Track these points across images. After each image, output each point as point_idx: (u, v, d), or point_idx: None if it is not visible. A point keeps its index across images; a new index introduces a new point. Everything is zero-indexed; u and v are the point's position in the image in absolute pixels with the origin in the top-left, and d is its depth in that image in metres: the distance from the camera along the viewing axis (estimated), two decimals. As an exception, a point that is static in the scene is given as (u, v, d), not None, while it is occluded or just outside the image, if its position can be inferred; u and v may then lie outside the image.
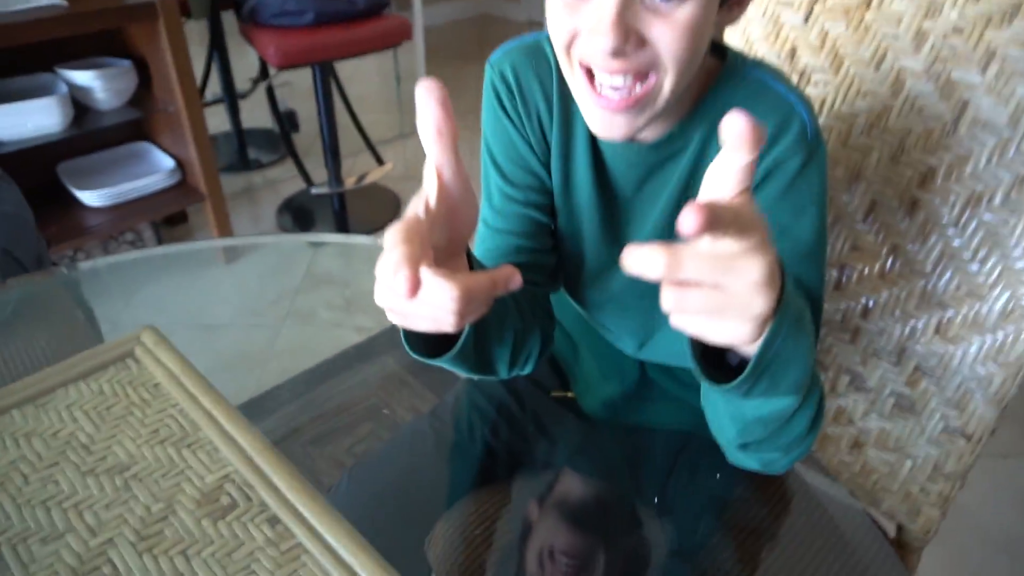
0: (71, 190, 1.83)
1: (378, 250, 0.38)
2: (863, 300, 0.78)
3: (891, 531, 0.83)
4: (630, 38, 0.44)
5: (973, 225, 0.69)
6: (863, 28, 0.75)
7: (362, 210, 2.36)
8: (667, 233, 0.58)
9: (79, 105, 1.75)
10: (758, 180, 0.53)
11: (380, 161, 2.36)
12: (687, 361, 0.43)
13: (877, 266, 0.76)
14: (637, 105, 0.48)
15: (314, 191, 2.15)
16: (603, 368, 0.77)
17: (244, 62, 2.56)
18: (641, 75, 0.46)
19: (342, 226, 2.25)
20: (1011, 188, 0.67)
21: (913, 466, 0.79)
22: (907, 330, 0.76)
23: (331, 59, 1.93)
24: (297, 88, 2.82)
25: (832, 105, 0.77)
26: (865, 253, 0.77)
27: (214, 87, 2.61)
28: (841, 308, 0.80)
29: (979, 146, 0.68)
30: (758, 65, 0.55)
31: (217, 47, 2.43)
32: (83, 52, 1.79)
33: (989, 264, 0.69)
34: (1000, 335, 0.69)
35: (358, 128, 2.34)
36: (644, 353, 0.69)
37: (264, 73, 2.35)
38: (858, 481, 0.83)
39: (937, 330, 0.73)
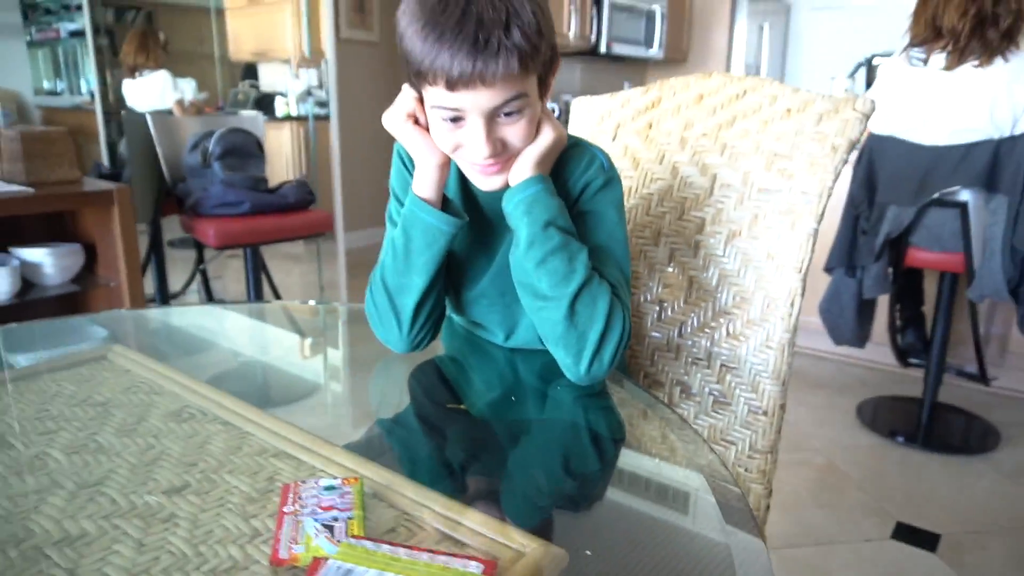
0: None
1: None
2: (678, 325, 1.04)
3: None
4: (496, 144, 0.74)
5: (734, 252, 0.99)
6: (649, 140, 1.10)
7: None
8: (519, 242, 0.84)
9: (27, 280, 1.94)
10: (579, 191, 0.82)
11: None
12: (542, 344, 0.73)
13: (683, 296, 1.04)
14: (506, 168, 0.77)
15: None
16: (486, 379, 0.98)
17: (177, 268, 2.84)
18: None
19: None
20: (751, 223, 0.98)
21: (736, 451, 1.00)
22: (710, 339, 1.01)
23: (263, 242, 2.23)
24: (229, 290, 3.08)
25: (636, 189, 1.09)
26: (674, 288, 1.05)
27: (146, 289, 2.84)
28: (664, 334, 1.06)
29: (727, 199, 1.00)
30: (578, 138, 0.86)
31: (155, 250, 2.71)
32: (36, 238, 2.02)
33: (748, 277, 0.98)
34: (766, 326, 0.96)
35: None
36: (512, 341, 0.91)
37: (200, 259, 2.61)
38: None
39: (728, 333, 1.00)
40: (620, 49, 3.95)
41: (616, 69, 4.59)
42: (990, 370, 2.41)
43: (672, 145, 1.08)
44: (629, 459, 0.75)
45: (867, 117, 0.95)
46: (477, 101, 0.70)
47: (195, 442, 0.64)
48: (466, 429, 0.84)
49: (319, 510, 0.51)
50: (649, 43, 4.21)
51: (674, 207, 1.06)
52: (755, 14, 4.71)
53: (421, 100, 0.76)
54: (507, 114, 0.72)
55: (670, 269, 1.06)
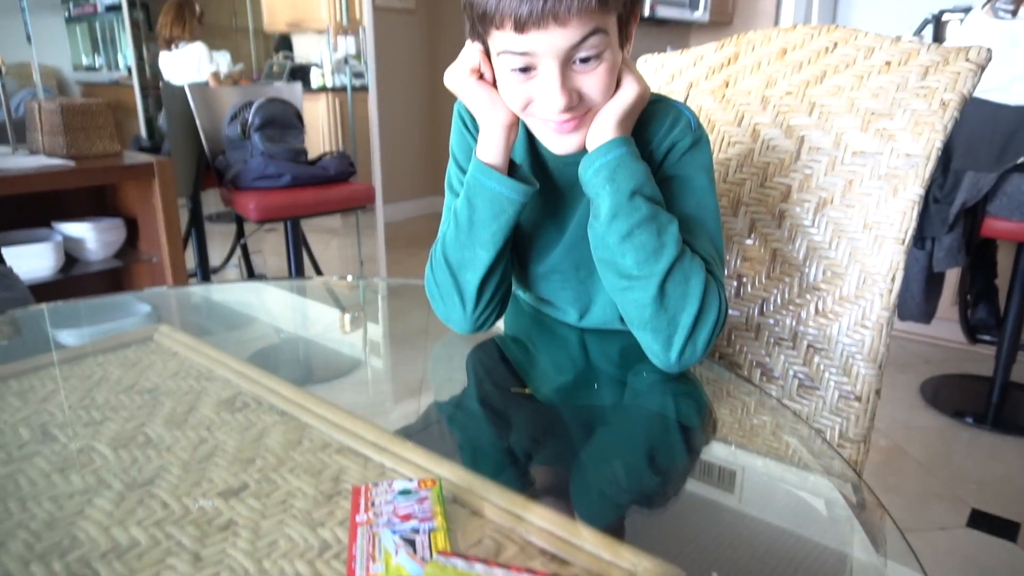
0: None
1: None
2: (759, 302, 0.96)
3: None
4: (572, 96, 0.65)
5: (824, 222, 0.90)
6: (725, 100, 1.01)
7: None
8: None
9: (69, 256, 1.92)
10: (663, 154, 0.73)
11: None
12: (620, 324, 0.61)
13: (764, 271, 0.95)
14: (583, 125, 0.68)
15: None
16: (556, 362, 0.91)
17: (216, 242, 2.81)
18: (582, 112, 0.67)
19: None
20: (844, 190, 0.89)
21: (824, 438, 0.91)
22: (795, 317, 0.93)
23: (303, 215, 2.18)
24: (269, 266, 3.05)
25: (714, 155, 1.00)
26: (754, 262, 0.96)
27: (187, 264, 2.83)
28: (743, 312, 0.97)
29: (817, 164, 0.91)
30: (660, 94, 0.78)
31: (196, 224, 2.68)
32: (77, 213, 2.00)
33: (840, 249, 0.89)
34: (861, 303, 0.87)
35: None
36: (586, 320, 0.84)
37: (240, 233, 2.58)
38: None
39: (817, 311, 0.91)
40: (665, 12, 3.79)
41: (658, 33, 4.42)
42: (1067, 347, 2.26)
43: (752, 105, 0.98)
44: (733, 456, 0.67)
45: (982, 69, 0.85)
46: (550, 42, 0.61)
47: (251, 435, 0.58)
48: (533, 415, 0.78)
49: (396, 519, 0.45)
50: (695, 6, 4.03)
51: (755, 173, 0.96)
52: (805, -28, 4.48)
53: (487, 54, 0.68)
54: (583, 60, 0.64)
55: (750, 241, 0.97)
